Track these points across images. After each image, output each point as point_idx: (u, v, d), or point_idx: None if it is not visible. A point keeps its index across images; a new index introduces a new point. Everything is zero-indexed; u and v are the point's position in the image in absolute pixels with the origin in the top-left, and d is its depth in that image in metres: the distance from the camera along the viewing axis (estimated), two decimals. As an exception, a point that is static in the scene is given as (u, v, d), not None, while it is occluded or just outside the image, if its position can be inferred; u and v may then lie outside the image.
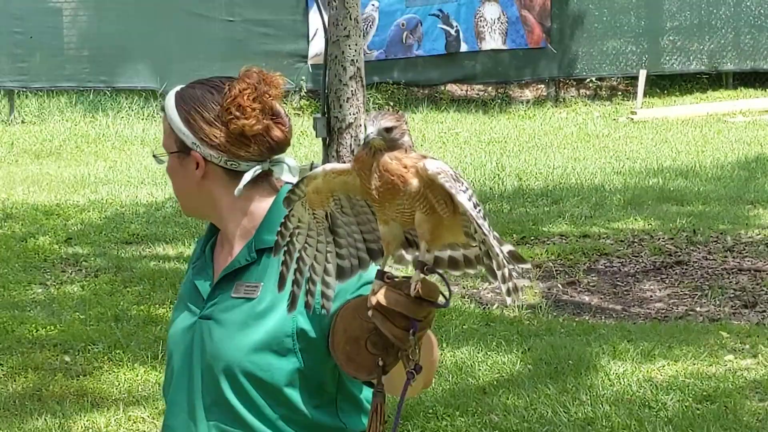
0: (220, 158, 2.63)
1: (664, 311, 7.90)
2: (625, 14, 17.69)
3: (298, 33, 16.35)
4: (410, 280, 2.29)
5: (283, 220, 2.35)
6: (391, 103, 16.53)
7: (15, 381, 6.49)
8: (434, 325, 2.42)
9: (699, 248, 9.20)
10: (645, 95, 17.15)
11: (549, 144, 14.24)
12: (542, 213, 10.31)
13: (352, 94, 8.20)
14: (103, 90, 16.34)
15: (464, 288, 8.22)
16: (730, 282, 8.40)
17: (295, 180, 2.60)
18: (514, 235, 9.44)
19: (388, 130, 2.21)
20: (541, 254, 8.97)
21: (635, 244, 9.34)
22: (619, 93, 18.06)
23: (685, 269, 8.73)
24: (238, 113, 2.61)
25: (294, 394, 2.57)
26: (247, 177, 2.62)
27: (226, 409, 2.59)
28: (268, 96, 2.63)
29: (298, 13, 16.40)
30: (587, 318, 7.69)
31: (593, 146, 14.08)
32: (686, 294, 8.21)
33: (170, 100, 2.68)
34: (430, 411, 5.88)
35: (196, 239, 2.89)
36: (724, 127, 15.43)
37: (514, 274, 2.18)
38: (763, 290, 8.22)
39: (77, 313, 7.56)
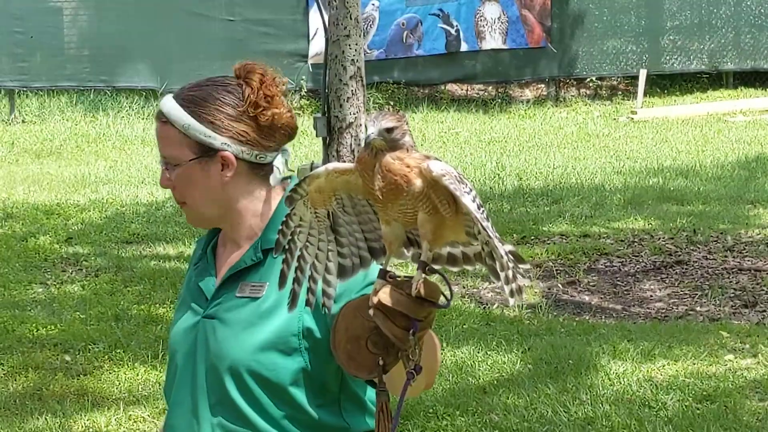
0: (251, 153, 2.62)
1: (664, 311, 7.90)
2: (625, 14, 17.69)
3: (298, 32, 16.36)
4: (412, 280, 2.29)
5: (284, 219, 2.35)
6: (392, 103, 16.53)
7: (15, 380, 6.49)
8: (434, 325, 2.43)
9: (699, 248, 9.20)
10: (645, 95, 17.15)
11: (549, 143, 14.24)
12: (542, 212, 10.31)
13: (353, 94, 8.20)
14: (103, 89, 16.35)
15: (464, 288, 8.23)
16: (730, 282, 8.41)
17: (284, 169, 2.63)
18: (515, 235, 9.44)
19: (389, 130, 2.21)
20: (542, 254, 8.97)
21: (635, 243, 9.34)
22: (620, 92, 18.07)
23: (685, 269, 8.74)
24: (266, 104, 2.61)
25: (299, 394, 2.58)
26: (280, 165, 2.64)
27: (231, 408, 2.59)
28: (281, 83, 2.65)
29: (298, 12, 16.40)
30: (587, 318, 7.69)
31: (593, 146, 14.08)
32: (686, 294, 8.21)
33: (174, 109, 2.61)
34: (431, 410, 5.88)
35: (197, 239, 2.88)
36: (724, 126, 15.43)
37: (517, 275, 2.18)
38: (763, 290, 8.22)
39: (78, 313, 7.56)
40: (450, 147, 14.04)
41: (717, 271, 8.63)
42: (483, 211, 2.19)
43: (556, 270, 8.60)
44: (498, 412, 5.88)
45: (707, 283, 8.38)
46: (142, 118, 15.86)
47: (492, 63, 17.28)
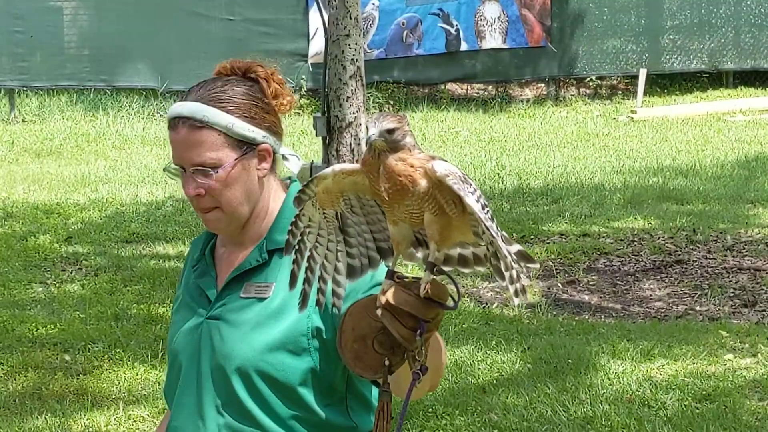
0: (277, 144, 2.66)
1: (663, 310, 7.90)
2: (625, 13, 17.69)
3: (298, 32, 16.36)
4: (420, 280, 2.30)
5: (293, 220, 2.35)
6: (391, 102, 16.54)
7: (15, 380, 6.49)
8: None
9: (699, 247, 9.20)
10: (645, 94, 17.15)
11: (549, 143, 14.24)
12: (542, 212, 10.32)
13: (352, 93, 8.20)
14: (103, 89, 16.35)
15: (464, 287, 8.22)
16: (730, 281, 8.41)
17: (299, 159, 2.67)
18: (515, 234, 9.44)
19: (390, 131, 2.21)
20: (541, 253, 8.97)
21: (635, 243, 9.34)
22: (620, 92, 18.07)
23: (685, 268, 8.74)
24: (284, 92, 2.64)
25: (307, 394, 2.58)
26: (296, 155, 2.66)
27: (238, 408, 2.59)
28: (277, 72, 2.68)
29: (298, 12, 16.40)
30: (587, 317, 7.69)
31: (593, 145, 14.08)
32: (686, 293, 8.21)
33: (209, 112, 2.57)
34: (430, 410, 5.88)
35: (193, 239, 2.87)
36: (724, 126, 15.43)
37: (521, 275, 2.19)
38: (762, 289, 8.22)
39: (77, 312, 7.57)
40: (450, 146, 14.04)
41: (717, 271, 8.64)
42: (487, 211, 2.19)
43: (556, 269, 8.60)
44: (497, 412, 5.88)
45: (707, 282, 8.38)
46: (142, 118, 15.87)
47: (492, 62, 17.28)
